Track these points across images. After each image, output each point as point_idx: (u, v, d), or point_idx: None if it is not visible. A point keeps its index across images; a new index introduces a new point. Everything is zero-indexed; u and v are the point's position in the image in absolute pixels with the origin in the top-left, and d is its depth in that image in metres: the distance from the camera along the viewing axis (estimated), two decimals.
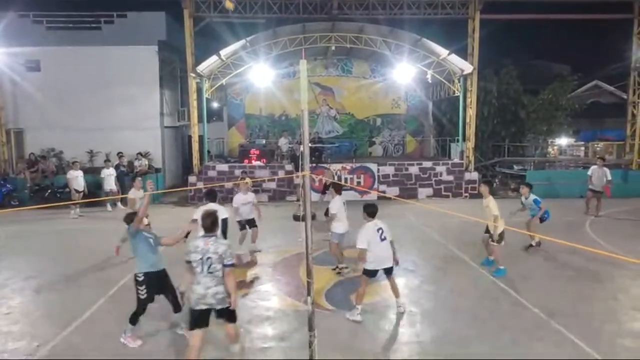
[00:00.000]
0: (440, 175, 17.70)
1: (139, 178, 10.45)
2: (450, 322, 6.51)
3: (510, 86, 21.33)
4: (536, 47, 36.10)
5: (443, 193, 17.63)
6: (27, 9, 18.28)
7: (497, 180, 20.29)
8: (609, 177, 13.73)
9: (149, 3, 18.85)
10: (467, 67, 17.47)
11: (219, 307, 4.96)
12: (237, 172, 17.05)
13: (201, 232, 5.32)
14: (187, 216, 13.55)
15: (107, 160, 16.22)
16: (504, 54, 22.96)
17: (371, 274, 6.61)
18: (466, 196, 17.52)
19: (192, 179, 17.42)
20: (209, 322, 5.06)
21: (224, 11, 16.66)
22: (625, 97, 21.18)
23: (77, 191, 14.68)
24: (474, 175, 17.85)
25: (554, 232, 10.20)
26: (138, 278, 5.81)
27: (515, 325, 6.32)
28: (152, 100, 18.89)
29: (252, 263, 9.34)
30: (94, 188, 15.78)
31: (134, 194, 9.83)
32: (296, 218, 12.72)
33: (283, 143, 19.05)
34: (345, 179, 17.11)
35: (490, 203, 8.34)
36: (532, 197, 9.97)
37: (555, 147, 24.17)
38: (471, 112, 18.02)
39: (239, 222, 9.67)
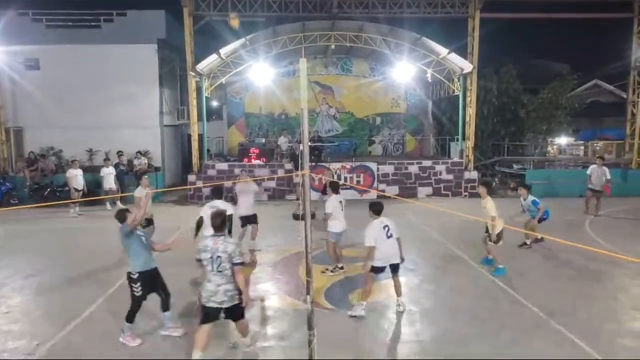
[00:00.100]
0: (440, 174, 17.70)
1: (146, 176, 10.44)
2: (450, 321, 6.51)
3: (510, 85, 21.33)
4: (536, 46, 36.16)
5: (442, 192, 17.64)
6: (26, 7, 18.27)
7: (496, 180, 20.30)
8: (608, 176, 13.72)
9: (148, 1, 18.91)
10: (466, 66, 17.46)
11: (229, 304, 5.12)
12: (237, 170, 17.02)
13: (210, 231, 5.41)
14: (187, 215, 13.61)
15: (107, 159, 16.20)
16: (504, 53, 23.02)
17: (378, 271, 6.65)
18: (466, 195, 17.52)
19: (191, 177, 17.42)
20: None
21: (230, 24, 16.71)
22: (624, 96, 21.20)
23: (76, 190, 14.67)
24: (474, 174, 17.85)
25: (554, 231, 10.23)
26: (132, 276, 5.80)
27: (515, 324, 6.32)
28: (151, 99, 18.88)
29: (252, 262, 9.33)
30: (94, 187, 15.78)
31: (140, 192, 9.82)
32: (296, 217, 12.69)
33: (283, 142, 19.04)
34: (345, 178, 17.11)
35: (488, 204, 8.34)
36: (531, 198, 10.00)
37: (555, 146, 24.17)
38: (471, 111, 18.02)
39: (241, 218, 9.67)
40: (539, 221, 9.96)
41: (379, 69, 22.30)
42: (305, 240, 4.53)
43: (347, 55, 22.00)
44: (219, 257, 5.04)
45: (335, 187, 8.72)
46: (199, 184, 16.92)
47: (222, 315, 5.23)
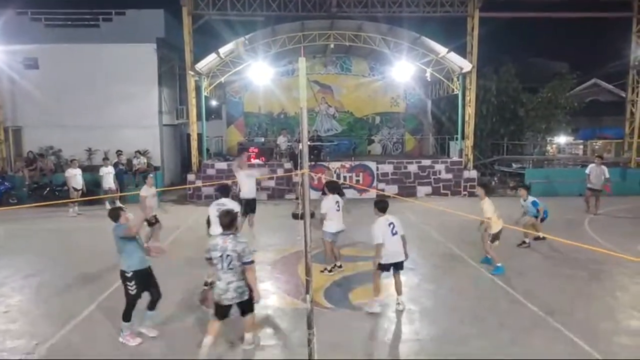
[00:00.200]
0: (439, 174, 17.71)
1: (151, 175, 10.46)
2: (450, 320, 6.51)
3: (509, 84, 21.35)
4: (535, 45, 36.18)
5: (442, 191, 17.64)
6: (25, 7, 18.25)
7: (495, 179, 20.32)
8: (607, 175, 13.74)
9: (147, 1, 18.92)
10: (466, 65, 17.46)
11: (239, 300, 5.26)
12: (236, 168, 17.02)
13: (218, 230, 5.50)
14: (186, 214, 13.62)
15: (106, 159, 16.19)
16: (503, 52, 23.01)
17: (385, 268, 6.70)
18: (465, 194, 17.53)
19: (190, 177, 17.42)
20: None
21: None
22: (624, 95, 21.22)
23: (75, 189, 14.66)
24: (473, 174, 17.86)
25: (554, 230, 10.24)
26: (126, 274, 5.79)
27: (514, 323, 6.32)
28: (150, 98, 18.87)
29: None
30: (93, 186, 15.76)
31: (146, 191, 9.83)
32: (295, 216, 12.73)
33: (282, 141, 19.03)
34: (344, 178, 17.10)
35: (485, 205, 8.36)
36: (531, 199, 10.04)
37: (554, 146, 24.18)
38: (470, 110, 18.02)
39: (243, 200, 9.69)
40: (541, 220, 10.03)
41: (378, 68, 22.30)
42: (304, 239, 4.52)
43: (346, 55, 22.00)
44: (228, 255, 5.15)
45: (332, 187, 8.72)
46: (198, 183, 16.92)
47: (236, 307, 5.39)
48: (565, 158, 22.32)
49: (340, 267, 8.55)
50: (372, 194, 16.45)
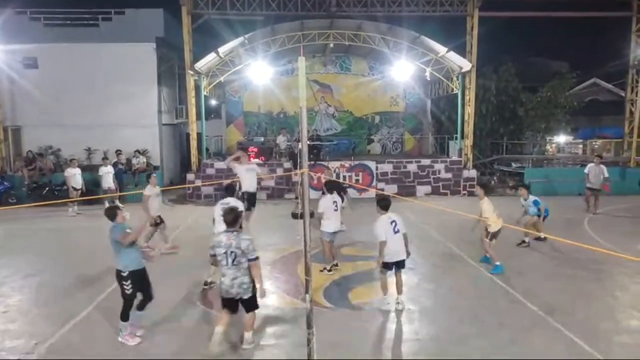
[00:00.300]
0: (439, 173, 17.70)
1: (154, 175, 10.42)
2: (449, 320, 6.51)
3: (509, 84, 21.35)
4: (535, 44, 36.20)
5: (441, 191, 17.63)
6: (24, 6, 18.22)
7: (495, 178, 20.32)
8: (606, 175, 13.75)
9: (146, 0, 18.85)
10: (465, 64, 17.45)
11: (244, 296, 5.38)
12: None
13: (224, 227, 5.55)
14: (185, 214, 13.61)
15: (105, 158, 16.19)
16: (503, 52, 22.99)
17: (388, 266, 6.74)
18: (464, 194, 17.53)
19: (190, 176, 17.41)
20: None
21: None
22: (623, 94, 21.21)
23: (74, 189, 14.66)
24: (473, 173, 17.86)
25: (553, 230, 10.24)
26: (122, 274, 5.78)
27: (514, 322, 6.32)
28: (150, 98, 18.85)
29: None
30: (92, 186, 15.74)
31: (150, 190, 9.81)
32: (294, 216, 12.76)
33: (281, 141, 19.02)
34: (344, 177, 17.09)
35: (484, 205, 8.36)
36: (532, 198, 10.05)
37: (554, 145, 24.19)
38: (470, 109, 18.02)
39: (244, 194, 9.71)
40: (542, 219, 10.07)
41: (377, 67, 22.28)
42: (304, 239, 4.52)
43: (345, 54, 21.98)
44: (233, 252, 5.26)
45: (330, 187, 8.71)
46: (198, 182, 16.91)
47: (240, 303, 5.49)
48: (565, 157, 22.33)
49: (336, 265, 8.54)
50: (372, 193, 16.45)
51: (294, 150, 17.35)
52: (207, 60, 17.13)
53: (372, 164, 17.63)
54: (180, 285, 7.87)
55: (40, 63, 18.33)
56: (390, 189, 17.13)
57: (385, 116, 22.99)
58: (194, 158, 17.80)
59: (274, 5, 16.99)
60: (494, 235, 8.42)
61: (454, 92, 18.74)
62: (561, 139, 24.58)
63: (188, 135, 18.81)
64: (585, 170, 14.14)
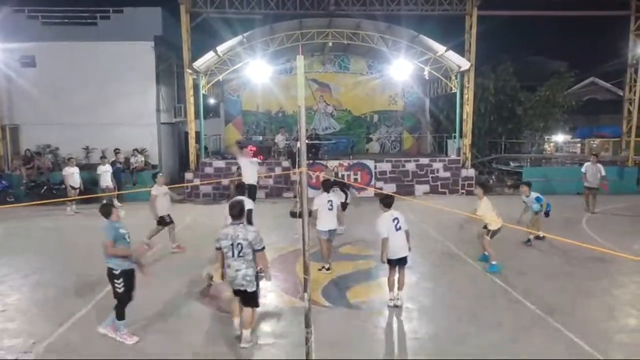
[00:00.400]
0: (437, 172, 17.71)
1: (161, 174, 10.39)
2: (448, 319, 6.52)
3: (507, 83, 21.36)
4: (533, 43, 36.25)
5: (440, 190, 17.65)
6: (22, 4, 18.18)
7: (493, 177, 20.34)
8: (603, 173, 13.78)
9: None
10: (464, 63, 17.46)
11: (247, 289, 5.48)
12: (234, 168, 17.02)
13: (229, 220, 5.65)
14: (184, 213, 13.57)
15: (103, 157, 16.18)
16: (501, 51, 22.98)
17: (392, 262, 6.79)
18: (463, 193, 17.55)
19: (188, 175, 17.40)
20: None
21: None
22: (621, 94, 21.21)
23: (72, 188, 14.65)
24: (471, 172, 17.88)
25: (552, 229, 10.23)
26: (114, 272, 5.76)
27: (513, 322, 6.33)
28: (148, 97, 18.81)
29: None
30: (90, 185, 15.72)
31: (157, 190, 9.80)
32: (293, 215, 12.74)
33: (280, 140, 19.01)
34: (342, 176, 17.08)
35: (483, 204, 8.36)
36: (534, 194, 10.06)
37: (552, 144, 24.21)
38: (468, 108, 18.03)
39: (246, 185, 9.78)
40: (546, 215, 10.10)
41: (376, 66, 22.26)
42: (302, 238, 4.52)
43: (344, 53, 21.96)
44: (239, 244, 5.39)
45: (326, 186, 8.74)
46: (196, 181, 16.90)
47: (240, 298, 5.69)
48: (563, 156, 22.35)
49: (327, 269, 8.47)
50: (370, 192, 16.45)
51: (292, 149, 17.36)
52: (206, 59, 17.10)
53: (370, 163, 17.64)
54: (179, 284, 7.87)
55: (38, 62, 18.28)
56: (389, 188, 17.13)
57: (383, 115, 22.98)
58: (192, 157, 17.78)
59: (272, 4, 16.96)
60: (494, 234, 8.43)
61: (453, 91, 18.76)
62: (559, 138, 24.61)
63: (186, 134, 18.79)
64: (583, 170, 14.16)
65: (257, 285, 5.65)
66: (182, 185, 17.17)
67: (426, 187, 17.66)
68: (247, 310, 5.66)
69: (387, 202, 6.89)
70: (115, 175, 15.67)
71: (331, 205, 8.41)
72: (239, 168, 16.57)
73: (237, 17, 17.52)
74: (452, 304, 7.05)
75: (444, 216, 12.66)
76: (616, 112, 21.13)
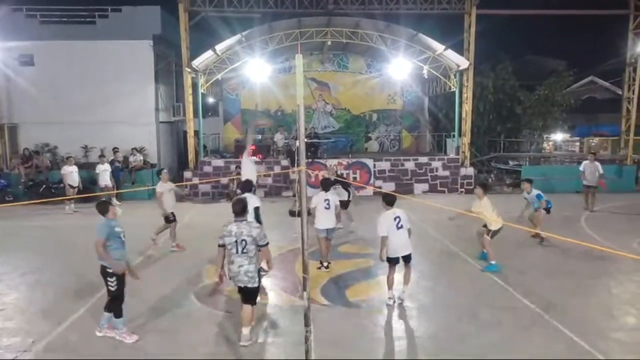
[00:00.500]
0: (436, 171, 17.72)
1: (165, 171, 10.38)
2: (448, 317, 6.52)
3: (506, 82, 21.37)
4: (532, 42, 36.24)
5: (439, 188, 17.66)
6: (20, 3, 18.17)
7: (492, 176, 20.34)
8: (601, 171, 13.81)
9: None
10: (463, 62, 17.46)
11: (249, 285, 5.54)
12: (233, 167, 17.04)
13: (233, 217, 5.70)
14: (182, 212, 13.53)
15: (102, 156, 16.16)
16: (501, 50, 22.99)
17: (392, 261, 6.80)
18: (462, 191, 17.56)
19: (187, 174, 17.38)
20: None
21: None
22: (620, 92, 21.21)
23: (71, 187, 14.62)
24: (470, 171, 17.88)
25: (551, 227, 10.26)
26: (108, 270, 5.75)
27: (513, 321, 6.33)
28: (147, 95, 18.80)
29: None
30: (89, 183, 15.70)
31: (162, 187, 9.80)
32: (292, 213, 12.75)
33: (279, 138, 19.00)
34: (341, 175, 17.08)
35: (482, 204, 8.35)
36: (535, 192, 10.11)
37: (551, 143, 24.23)
38: (467, 107, 18.02)
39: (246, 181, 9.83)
40: (547, 211, 10.13)
41: (375, 65, 22.24)
42: (301, 236, 4.51)
43: (343, 52, 21.92)
44: (243, 240, 5.46)
45: (325, 185, 8.76)
46: (195, 180, 16.89)
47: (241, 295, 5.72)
48: (562, 155, 22.36)
49: (325, 267, 8.51)
50: (369, 191, 16.45)
51: (291, 148, 17.35)
52: (205, 58, 17.08)
53: (369, 162, 17.63)
54: (178, 283, 7.87)
55: (36, 60, 18.26)
56: (388, 187, 17.12)
57: (382, 114, 22.96)
58: (191, 156, 17.76)
59: (271, 2, 16.92)
60: (494, 234, 8.43)
61: (452, 90, 18.76)
62: (558, 136, 24.62)
63: (185, 133, 18.77)
64: (581, 168, 14.19)
65: (259, 282, 5.70)
66: (182, 184, 17.15)
67: (425, 186, 17.67)
68: (247, 308, 5.66)
69: (389, 200, 6.91)
70: (114, 174, 15.65)
71: (328, 204, 8.42)
72: (237, 167, 16.76)
73: (235, 15, 17.47)
74: (451, 302, 7.05)
75: (443, 215, 12.63)
76: (615, 110, 21.13)
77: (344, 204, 11.27)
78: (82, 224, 12.78)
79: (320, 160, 17.24)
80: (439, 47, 17.18)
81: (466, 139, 18.14)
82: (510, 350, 5.53)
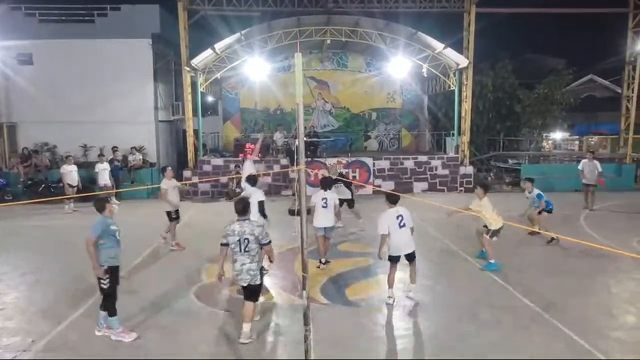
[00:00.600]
0: (436, 170, 17.72)
1: (169, 167, 10.37)
2: (447, 317, 6.52)
3: (506, 80, 21.37)
4: (531, 41, 36.20)
5: (438, 187, 17.66)
6: (19, 2, 18.08)
7: (492, 175, 20.35)
8: (600, 169, 13.82)
9: None
10: (462, 61, 17.45)
11: (249, 282, 5.62)
12: (232, 166, 17.05)
13: (236, 217, 5.76)
14: (181, 211, 13.53)
15: (101, 155, 16.14)
16: (500, 48, 22.99)
17: (393, 259, 6.81)
18: (461, 190, 17.56)
19: (186, 173, 17.37)
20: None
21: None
22: (619, 91, 21.22)
23: (70, 186, 14.60)
24: (469, 170, 17.89)
25: (551, 226, 10.30)
26: (101, 267, 5.73)
27: (511, 319, 6.33)
28: (146, 94, 18.76)
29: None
30: (88, 183, 15.69)
31: (166, 184, 9.79)
32: (292, 212, 12.75)
33: (278, 137, 18.99)
34: (341, 174, 17.06)
35: (482, 204, 8.35)
36: (536, 191, 10.16)
37: (550, 141, 24.22)
38: (466, 106, 18.02)
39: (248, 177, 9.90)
40: (548, 212, 10.16)
41: (374, 64, 22.22)
42: (300, 235, 4.51)
43: (342, 50, 21.90)
44: (246, 239, 5.55)
45: (324, 184, 8.78)
46: (195, 179, 16.88)
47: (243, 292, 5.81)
48: (561, 154, 22.36)
49: (321, 264, 8.55)
50: (369, 190, 16.44)
51: (290, 147, 17.34)
52: (204, 57, 17.06)
53: (369, 161, 17.63)
54: (177, 282, 7.86)
55: (35, 59, 18.21)
56: (387, 186, 17.13)
57: (382, 112, 22.95)
58: (190, 155, 17.75)
59: (270, 1, 16.90)
60: (495, 233, 8.42)
61: (451, 88, 18.76)
62: (557, 135, 24.62)
63: (185, 132, 18.75)
64: (579, 167, 14.20)
65: (261, 279, 5.81)
66: (182, 183, 17.12)
67: (424, 185, 17.67)
68: (249, 304, 5.71)
69: (393, 198, 6.93)
70: (113, 173, 15.64)
71: (325, 202, 8.44)
72: (237, 166, 16.79)
73: (234, 14, 17.45)
74: (451, 301, 7.05)
75: (442, 214, 12.64)
76: (614, 109, 21.14)
77: (350, 203, 11.31)
78: (82, 224, 12.68)
79: (320, 159, 17.22)
80: (438, 45, 17.17)
81: (465, 138, 18.14)
82: (510, 350, 5.52)
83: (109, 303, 5.79)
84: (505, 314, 6.52)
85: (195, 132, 17.98)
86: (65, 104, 17.93)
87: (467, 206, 8.54)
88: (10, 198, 15.83)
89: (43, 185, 16.00)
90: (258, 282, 5.72)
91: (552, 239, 10.02)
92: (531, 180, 10.48)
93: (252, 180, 8.41)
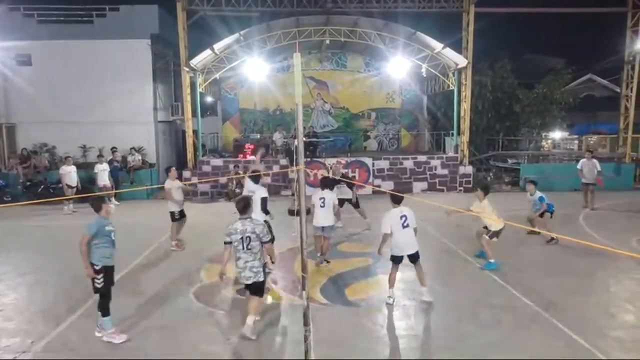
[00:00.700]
0: (435, 169, 17.71)
1: (173, 167, 10.37)
2: (447, 317, 6.52)
3: (505, 80, 21.37)
4: (530, 40, 36.21)
5: (438, 187, 17.66)
6: (17, 3, 18.09)
7: (491, 174, 20.36)
8: (599, 168, 13.85)
9: None
10: (461, 60, 17.45)
11: (253, 280, 5.75)
12: (231, 166, 17.03)
13: (238, 215, 5.87)
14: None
15: (100, 156, 16.14)
16: (499, 48, 22.99)
17: (395, 259, 6.81)
18: (460, 190, 17.56)
19: (186, 173, 17.35)
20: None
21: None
22: (618, 90, 21.25)
23: (69, 187, 14.59)
24: (469, 169, 17.89)
25: (551, 226, 10.31)
26: (95, 267, 5.73)
27: (511, 319, 6.34)
28: (145, 95, 18.75)
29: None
30: (87, 183, 15.67)
31: (169, 184, 9.79)
32: (291, 212, 12.74)
33: (277, 138, 18.98)
34: (343, 174, 17.05)
35: (482, 204, 8.35)
36: (538, 194, 10.24)
37: (549, 141, 24.25)
38: (466, 106, 18.02)
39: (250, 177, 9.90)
40: (550, 214, 10.26)
41: (373, 64, 22.22)
42: (300, 235, 4.51)
43: (341, 50, 21.90)
44: (248, 237, 5.68)
45: (324, 184, 8.79)
46: (194, 180, 16.87)
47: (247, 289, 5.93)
48: (560, 153, 22.38)
49: (321, 262, 8.59)
50: (368, 190, 16.43)
51: (290, 147, 17.32)
52: (203, 57, 17.05)
53: (368, 161, 17.62)
54: (177, 282, 7.86)
55: (34, 60, 18.21)
56: (387, 186, 17.13)
57: (381, 112, 22.95)
58: (190, 155, 17.74)
59: (269, 1, 16.90)
60: (495, 234, 8.42)
61: (450, 88, 18.76)
62: (557, 135, 24.63)
63: (184, 132, 18.74)
64: (578, 166, 14.22)
65: (264, 276, 5.91)
66: (182, 183, 17.11)
67: (424, 185, 17.67)
68: (254, 299, 5.84)
69: (397, 198, 6.94)
70: (113, 173, 15.64)
71: (323, 202, 8.49)
72: (236, 166, 16.79)
73: (233, 14, 17.44)
74: (451, 301, 7.05)
75: (441, 214, 12.64)
76: (613, 108, 21.16)
77: (354, 203, 11.32)
78: (81, 224, 12.73)
79: (319, 159, 17.22)
80: (437, 45, 17.17)
81: (465, 138, 18.14)
82: (510, 349, 5.53)
83: (102, 302, 5.79)
84: (505, 313, 6.53)
85: (195, 132, 17.98)
86: (64, 105, 17.93)
87: (467, 207, 8.55)
88: (10, 199, 15.81)
89: (42, 186, 15.99)
90: (262, 279, 5.83)
91: (552, 238, 10.03)
92: (534, 182, 10.53)
93: (256, 177, 8.43)
